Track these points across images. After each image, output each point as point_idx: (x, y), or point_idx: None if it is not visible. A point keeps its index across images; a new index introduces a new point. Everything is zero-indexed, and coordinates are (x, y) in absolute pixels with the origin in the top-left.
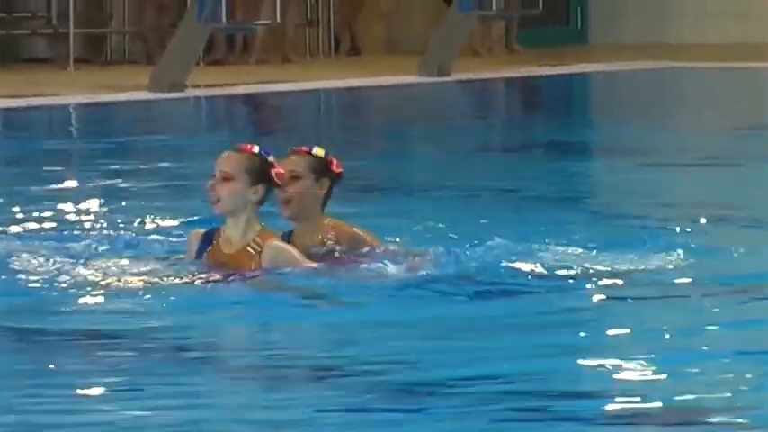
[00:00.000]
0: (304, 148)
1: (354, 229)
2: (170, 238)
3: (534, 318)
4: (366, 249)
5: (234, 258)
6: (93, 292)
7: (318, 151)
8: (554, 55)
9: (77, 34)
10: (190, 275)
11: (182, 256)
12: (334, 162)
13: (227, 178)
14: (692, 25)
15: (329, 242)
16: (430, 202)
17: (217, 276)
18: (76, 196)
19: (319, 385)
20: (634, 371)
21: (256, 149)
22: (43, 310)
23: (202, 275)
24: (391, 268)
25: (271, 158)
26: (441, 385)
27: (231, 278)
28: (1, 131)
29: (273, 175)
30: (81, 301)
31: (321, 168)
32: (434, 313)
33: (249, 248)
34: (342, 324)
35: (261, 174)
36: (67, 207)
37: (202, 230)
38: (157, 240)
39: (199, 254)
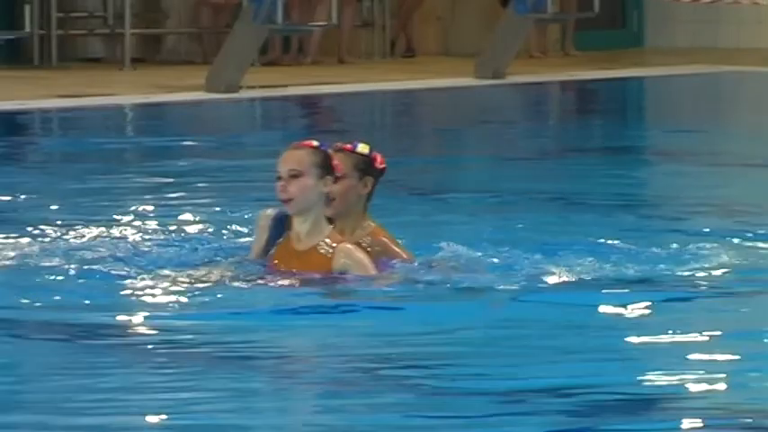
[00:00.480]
0: (348, 146)
1: (386, 239)
2: (223, 241)
3: (580, 326)
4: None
5: (303, 256)
6: (157, 294)
7: (363, 148)
8: (610, 58)
9: (133, 34)
10: (256, 277)
11: (245, 256)
12: (378, 158)
13: (296, 175)
14: (749, 29)
15: (363, 245)
16: (483, 206)
17: (283, 280)
18: (133, 195)
19: (375, 390)
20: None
21: (316, 143)
22: (98, 311)
23: (268, 277)
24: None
25: (330, 151)
26: (499, 394)
27: (295, 281)
28: (58, 130)
29: (334, 167)
30: (141, 302)
31: (365, 167)
32: (486, 320)
33: (320, 248)
34: (393, 329)
35: (327, 167)
36: (122, 207)
37: (273, 212)
38: (213, 242)
39: (270, 241)
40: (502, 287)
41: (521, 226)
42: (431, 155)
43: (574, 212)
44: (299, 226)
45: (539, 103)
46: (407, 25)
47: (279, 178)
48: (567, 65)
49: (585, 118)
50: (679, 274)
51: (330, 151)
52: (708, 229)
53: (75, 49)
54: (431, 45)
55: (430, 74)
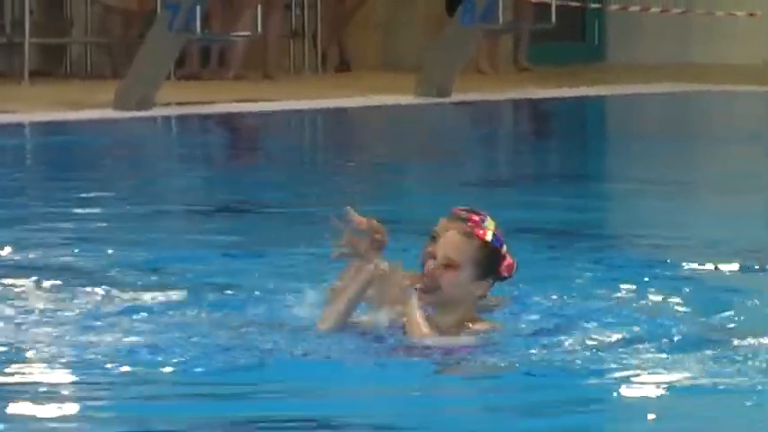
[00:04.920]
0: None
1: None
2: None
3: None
4: None
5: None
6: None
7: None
8: (568, 74)
9: (34, 44)
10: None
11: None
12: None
13: (451, 265)
14: (723, 44)
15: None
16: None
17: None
18: (31, 228)
19: None
20: None
21: (489, 236)
22: None
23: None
24: None
25: (504, 249)
26: None
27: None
28: None
29: (503, 268)
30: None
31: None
32: None
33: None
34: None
35: (492, 269)
36: (16, 243)
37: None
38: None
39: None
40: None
41: None
42: (364, 183)
43: (531, 248)
44: (439, 317)
45: (488, 124)
46: (341, 35)
47: (429, 251)
48: (521, 81)
49: (540, 141)
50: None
51: (504, 249)
52: (676, 266)
53: None
54: (368, 57)
55: (366, 90)
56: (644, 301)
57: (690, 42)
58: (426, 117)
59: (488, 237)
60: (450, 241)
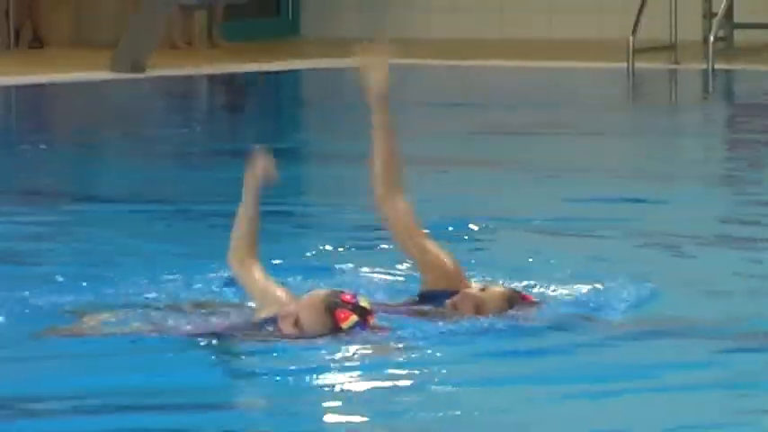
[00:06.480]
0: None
1: None
2: None
3: None
4: None
5: None
6: None
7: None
8: (262, 49)
9: None
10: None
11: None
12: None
13: (297, 325)
14: (419, 19)
15: None
16: (130, 224)
17: None
18: None
19: None
20: None
21: (347, 325)
22: None
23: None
24: None
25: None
26: None
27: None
28: None
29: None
30: None
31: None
32: None
33: None
34: None
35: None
36: None
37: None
38: None
39: None
40: None
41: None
42: (57, 161)
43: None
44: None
45: (182, 99)
46: (34, 11)
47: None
48: (215, 57)
49: (235, 116)
50: None
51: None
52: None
53: None
54: (62, 33)
55: (61, 67)
56: None
57: (386, 16)
58: (121, 93)
59: (345, 325)
60: (309, 307)
